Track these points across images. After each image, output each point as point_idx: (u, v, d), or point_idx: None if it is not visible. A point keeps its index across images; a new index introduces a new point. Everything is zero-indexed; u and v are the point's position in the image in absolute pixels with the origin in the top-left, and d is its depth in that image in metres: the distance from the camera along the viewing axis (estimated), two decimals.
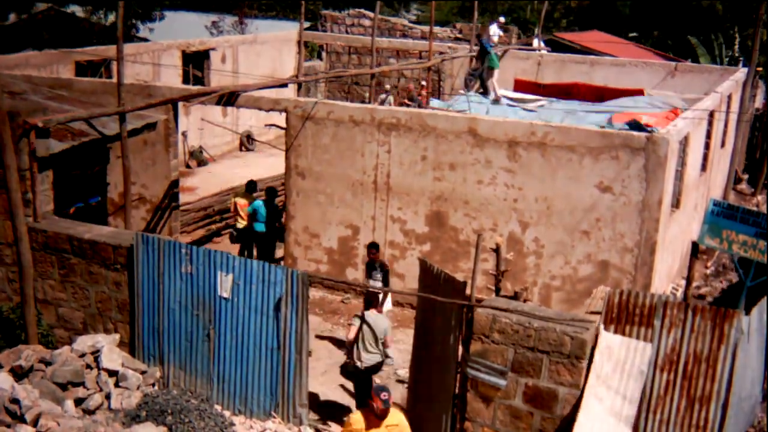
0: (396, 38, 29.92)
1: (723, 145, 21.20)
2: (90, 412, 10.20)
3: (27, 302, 11.20)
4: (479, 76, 20.45)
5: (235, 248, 15.68)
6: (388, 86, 23.94)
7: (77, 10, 32.99)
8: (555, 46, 28.53)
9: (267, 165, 22.22)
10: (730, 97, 20.43)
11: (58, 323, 11.77)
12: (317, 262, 15.29)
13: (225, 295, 10.47)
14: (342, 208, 14.94)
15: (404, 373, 11.91)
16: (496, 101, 19.05)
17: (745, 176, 26.13)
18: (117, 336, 11.24)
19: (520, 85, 21.97)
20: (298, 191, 15.13)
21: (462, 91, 20.54)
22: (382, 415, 8.13)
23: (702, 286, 16.11)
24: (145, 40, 24.06)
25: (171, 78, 22.66)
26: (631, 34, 40.43)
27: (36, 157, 11.25)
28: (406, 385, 11.30)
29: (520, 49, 26.62)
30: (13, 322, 11.47)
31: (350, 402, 11.34)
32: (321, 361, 12.44)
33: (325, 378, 11.94)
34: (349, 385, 11.81)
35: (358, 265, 15.02)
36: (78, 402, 10.24)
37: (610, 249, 13.22)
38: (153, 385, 10.96)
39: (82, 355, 11.05)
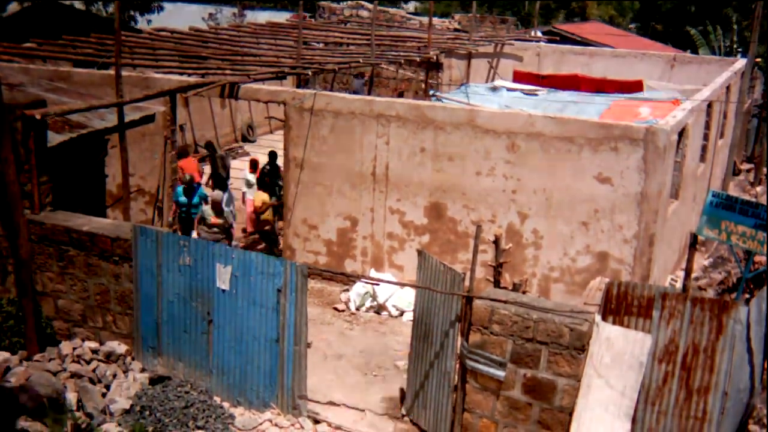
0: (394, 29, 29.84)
1: (722, 135, 21.20)
2: (88, 406, 10.21)
3: (25, 294, 11.20)
4: None
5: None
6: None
7: (76, 3, 32.94)
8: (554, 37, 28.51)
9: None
10: (728, 88, 20.42)
11: (57, 315, 11.77)
12: (316, 253, 15.29)
13: (223, 287, 10.47)
14: (341, 200, 14.93)
15: (403, 364, 11.93)
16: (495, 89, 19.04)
17: (744, 167, 26.14)
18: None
19: (519, 77, 21.93)
20: (297, 183, 15.12)
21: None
22: None
23: (701, 278, 16.12)
24: (141, 32, 23.92)
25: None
26: (631, 26, 40.41)
27: (34, 149, 11.24)
28: (405, 377, 11.30)
29: (518, 40, 26.60)
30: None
31: (350, 393, 11.37)
32: (319, 353, 12.45)
33: (323, 369, 11.95)
34: (350, 378, 11.85)
35: (357, 256, 15.03)
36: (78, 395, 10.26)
37: (609, 240, 13.22)
38: (152, 377, 10.97)
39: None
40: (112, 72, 14.15)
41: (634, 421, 8.88)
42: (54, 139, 11.84)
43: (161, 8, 34.61)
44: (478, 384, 9.57)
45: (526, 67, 24.20)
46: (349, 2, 32.69)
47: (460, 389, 9.78)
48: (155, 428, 9.90)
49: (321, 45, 23.09)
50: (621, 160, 12.89)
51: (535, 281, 13.84)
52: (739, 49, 33.39)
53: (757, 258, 13.01)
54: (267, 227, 15.93)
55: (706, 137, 18.14)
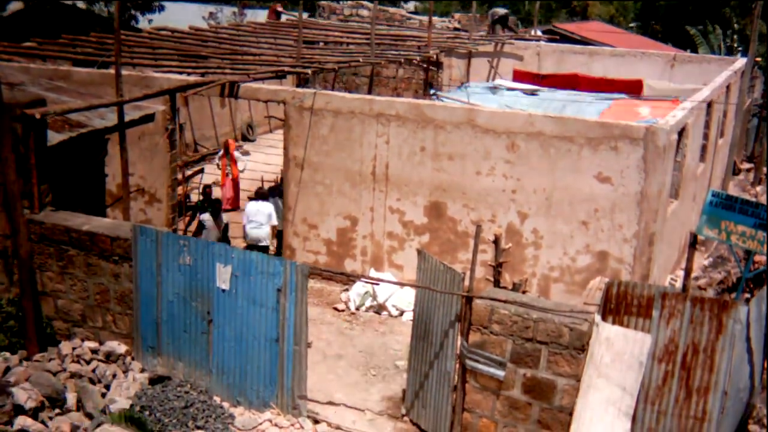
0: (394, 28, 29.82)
1: (722, 135, 21.19)
2: (88, 406, 10.21)
3: (25, 294, 11.20)
4: None
5: None
6: None
7: (78, 2, 32.96)
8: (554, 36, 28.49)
9: (259, 158, 22.22)
10: (728, 87, 20.40)
11: (57, 315, 11.77)
12: (316, 253, 15.28)
13: (223, 286, 10.47)
14: (340, 199, 14.93)
15: (403, 364, 11.93)
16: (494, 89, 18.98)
17: (744, 166, 26.12)
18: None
19: (519, 76, 21.91)
20: (297, 182, 15.11)
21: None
22: None
23: (700, 277, 16.12)
24: (141, 31, 23.95)
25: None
26: (631, 25, 40.40)
27: (34, 149, 11.23)
28: (405, 376, 11.30)
29: (518, 39, 26.58)
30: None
31: (350, 393, 11.37)
32: (319, 352, 12.45)
33: (323, 369, 11.95)
34: (350, 378, 11.85)
35: (357, 256, 15.03)
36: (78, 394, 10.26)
37: (609, 240, 13.21)
38: (151, 377, 10.97)
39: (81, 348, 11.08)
40: (111, 71, 14.14)
41: (633, 420, 8.88)
42: (54, 138, 11.83)
43: (162, 8, 34.67)
44: (477, 384, 9.57)
45: (526, 66, 24.19)
46: (349, 2, 32.66)
47: (459, 389, 9.78)
48: (155, 428, 9.90)
49: (321, 44, 23.06)
50: (621, 160, 12.88)
51: (535, 281, 13.83)
52: (739, 49, 33.39)
53: (756, 258, 13.00)
54: None
55: (706, 137, 18.13)
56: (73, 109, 12.34)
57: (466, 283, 9.59)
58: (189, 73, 16.68)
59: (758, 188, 23.81)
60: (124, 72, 13.77)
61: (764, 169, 24.63)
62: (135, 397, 10.41)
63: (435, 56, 22.65)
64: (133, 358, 11.32)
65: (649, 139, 12.67)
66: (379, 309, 14.25)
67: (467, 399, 9.69)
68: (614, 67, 23.37)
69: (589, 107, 16.88)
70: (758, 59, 26.59)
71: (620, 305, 9.01)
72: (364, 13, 31.42)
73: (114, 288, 11.27)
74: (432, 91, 20.28)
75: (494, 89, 19.09)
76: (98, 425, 9.63)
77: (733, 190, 22.19)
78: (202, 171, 19.88)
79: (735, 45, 34.30)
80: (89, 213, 12.19)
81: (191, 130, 23.06)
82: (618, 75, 21.70)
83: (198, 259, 10.57)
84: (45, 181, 11.63)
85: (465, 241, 14.05)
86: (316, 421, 10.58)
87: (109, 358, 11.15)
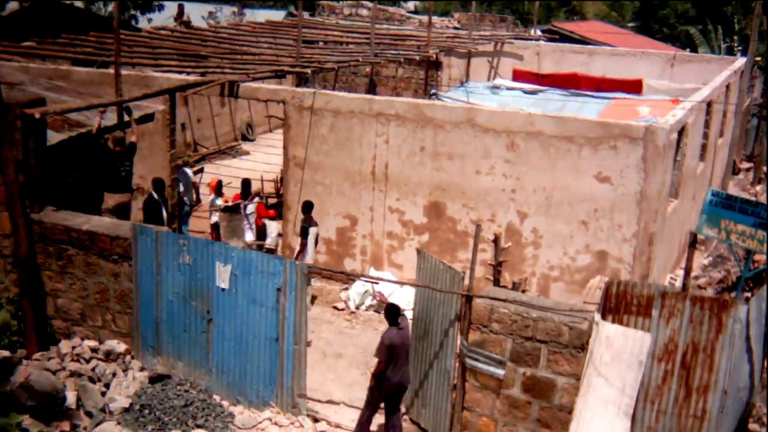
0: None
1: (722, 134, 21.19)
2: (88, 405, 10.21)
3: (25, 294, 11.20)
4: None
5: None
6: None
7: (76, 2, 32.93)
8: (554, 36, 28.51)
9: (259, 158, 22.24)
10: (728, 86, 20.41)
11: (57, 314, 11.77)
12: (315, 252, 15.27)
13: (223, 285, 10.47)
14: (340, 199, 14.93)
15: None
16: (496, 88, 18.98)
17: (744, 166, 26.13)
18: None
19: (519, 75, 21.91)
20: (296, 182, 15.11)
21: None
22: None
23: (700, 277, 16.12)
24: (141, 30, 23.95)
25: None
26: (630, 24, 40.39)
27: (34, 148, 11.23)
28: None
29: (517, 38, 26.59)
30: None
31: (349, 392, 11.36)
32: (319, 351, 12.45)
33: (323, 368, 11.95)
34: (350, 377, 11.85)
35: (357, 255, 15.03)
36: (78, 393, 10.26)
37: (609, 239, 13.21)
38: (151, 375, 10.97)
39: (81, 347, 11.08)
40: (111, 71, 14.15)
41: (633, 419, 8.88)
42: (53, 137, 11.84)
43: (162, 7, 34.64)
44: (477, 382, 9.57)
45: (525, 65, 24.19)
46: (349, 1, 32.64)
47: (459, 388, 9.78)
48: (155, 427, 9.91)
49: (320, 44, 23.06)
50: (620, 159, 12.88)
51: (535, 280, 13.83)
52: (739, 48, 33.42)
53: (756, 257, 13.03)
54: None
55: (705, 136, 18.13)
56: (73, 108, 12.34)
57: (466, 282, 9.60)
58: (189, 73, 16.67)
59: (758, 187, 23.82)
60: (123, 72, 13.79)
61: (764, 168, 24.64)
62: (135, 396, 10.41)
63: (435, 56, 22.64)
64: (132, 357, 11.33)
65: (649, 138, 12.66)
66: (379, 308, 14.25)
67: (467, 398, 9.70)
68: (614, 67, 23.38)
69: (589, 107, 16.89)
70: (758, 59, 26.61)
71: (620, 304, 9.02)
72: (364, 12, 31.42)
73: (114, 287, 11.28)
74: (432, 91, 20.29)
75: (494, 88, 19.09)
76: (98, 424, 9.64)
77: (732, 190, 22.19)
78: (201, 171, 19.87)
79: (735, 45, 34.33)
80: (89, 212, 12.18)
81: (191, 129, 23.07)
82: (618, 74, 21.70)
83: (198, 259, 10.58)
84: (45, 180, 11.63)
85: (465, 241, 14.05)
86: (315, 420, 10.58)
87: (109, 356, 11.16)
